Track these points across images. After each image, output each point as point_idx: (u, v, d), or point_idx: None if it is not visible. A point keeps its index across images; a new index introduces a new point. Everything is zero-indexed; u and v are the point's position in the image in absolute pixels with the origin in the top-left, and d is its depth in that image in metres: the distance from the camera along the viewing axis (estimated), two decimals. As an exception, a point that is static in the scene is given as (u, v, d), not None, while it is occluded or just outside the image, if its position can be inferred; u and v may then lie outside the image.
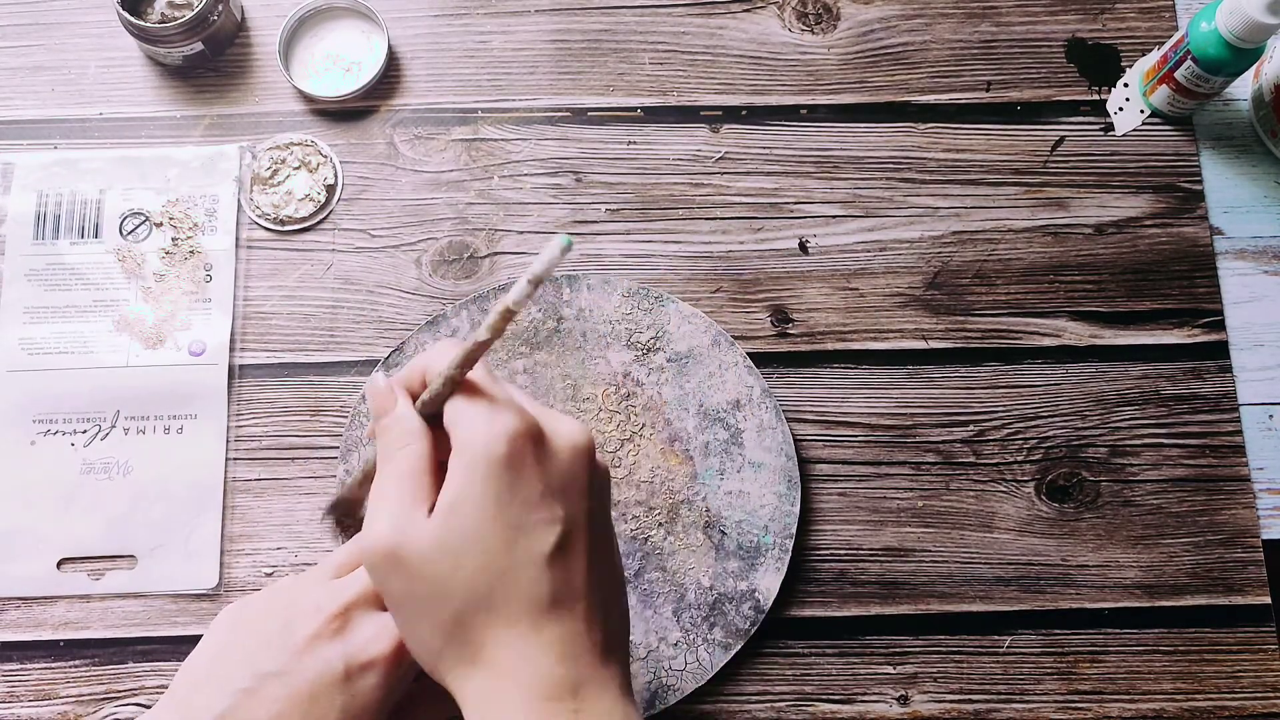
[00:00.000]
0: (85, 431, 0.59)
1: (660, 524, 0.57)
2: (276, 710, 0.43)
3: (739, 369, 0.59)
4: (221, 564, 0.58)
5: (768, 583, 0.57)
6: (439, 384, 0.40)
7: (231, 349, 0.60)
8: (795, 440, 0.59)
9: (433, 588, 0.39)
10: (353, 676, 0.43)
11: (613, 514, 0.52)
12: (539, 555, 0.39)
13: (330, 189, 0.62)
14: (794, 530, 0.57)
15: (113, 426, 0.59)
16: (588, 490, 0.41)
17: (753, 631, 0.56)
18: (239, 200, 0.62)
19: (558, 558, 0.39)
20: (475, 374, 0.41)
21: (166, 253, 0.61)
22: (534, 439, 0.39)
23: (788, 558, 0.57)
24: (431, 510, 0.39)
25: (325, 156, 0.62)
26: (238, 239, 0.62)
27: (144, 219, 0.61)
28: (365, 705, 0.43)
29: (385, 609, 0.44)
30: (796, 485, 0.58)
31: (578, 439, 0.41)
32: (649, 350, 0.59)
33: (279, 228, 0.62)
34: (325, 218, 0.62)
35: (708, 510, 0.58)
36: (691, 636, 0.56)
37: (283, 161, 0.62)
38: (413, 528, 0.39)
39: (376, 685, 0.44)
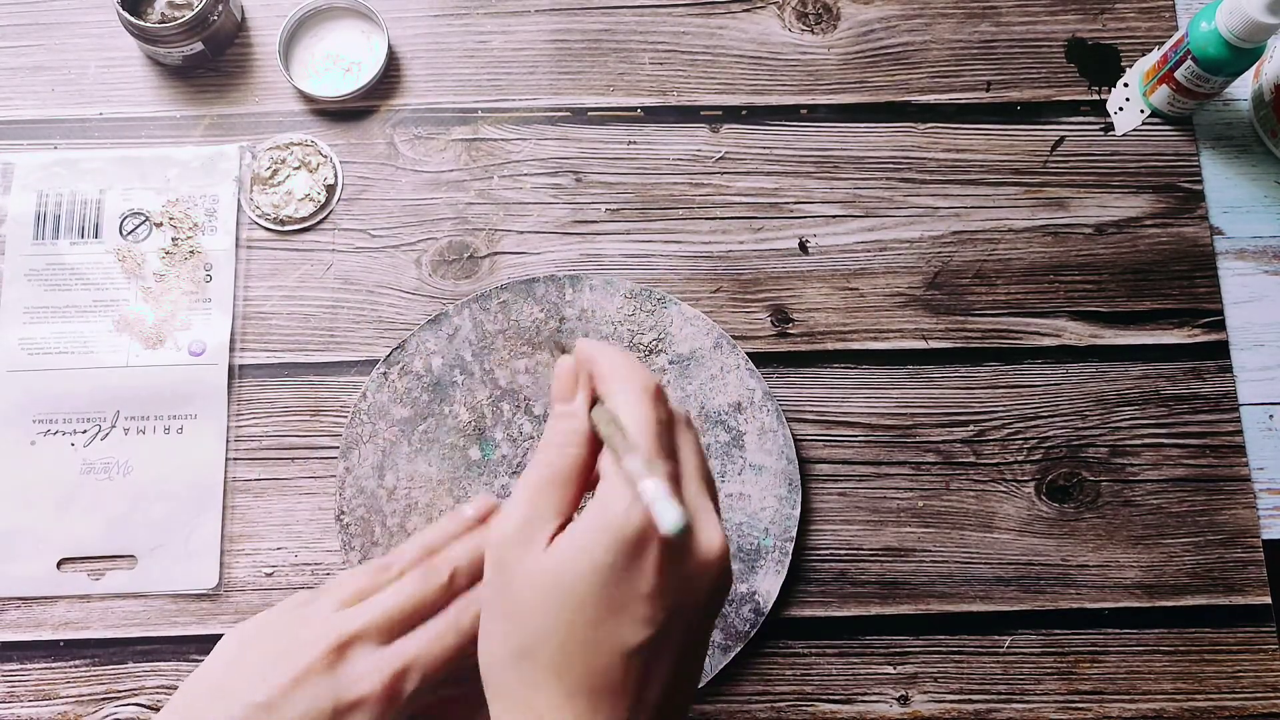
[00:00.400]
0: (85, 431, 0.59)
1: None
2: None
3: (740, 371, 0.59)
4: (221, 564, 0.58)
5: (768, 585, 0.57)
6: (607, 429, 0.39)
7: (231, 349, 0.60)
8: (796, 442, 0.59)
9: (519, 609, 0.39)
10: (341, 714, 0.43)
11: None
12: (624, 644, 0.38)
13: (330, 189, 0.62)
14: (794, 533, 0.57)
15: (113, 426, 0.59)
16: (703, 603, 0.39)
17: (752, 634, 0.56)
18: (239, 200, 0.62)
19: (640, 655, 0.38)
20: (649, 445, 0.39)
21: (166, 253, 0.61)
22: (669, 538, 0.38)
23: (788, 560, 0.57)
24: (563, 527, 0.39)
25: (325, 156, 0.62)
26: (238, 239, 0.62)
27: (144, 219, 0.61)
28: None
29: (387, 643, 0.44)
30: (797, 488, 0.58)
31: (715, 552, 0.39)
32: (651, 352, 0.59)
33: (279, 228, 0.62)
34: (325, 218, 0.62)
35: None
36: None
37: (283, 161, 0.62)
38: (533, 544, 0.39)
39: None
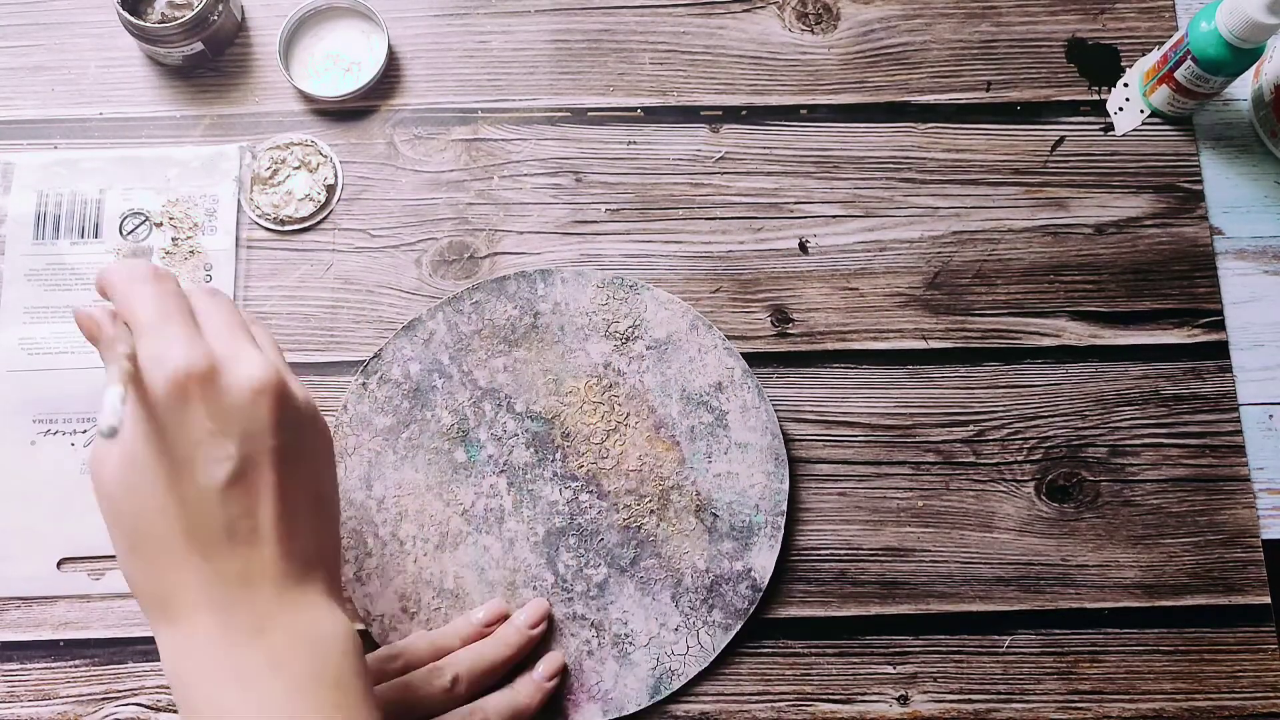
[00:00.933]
0: (85, 431, 0.59)
1: (652, 511, 0.57)
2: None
3: (719, 351, 0.59)
4: (221, 564, 0.58)
5: (763, 561, 0.57)
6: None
7: (231, 349, 0.60)
8: (780, 419, 0.59)
9: (113, 511, 0.40)
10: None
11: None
12: (207, 490, 0.39)
13: (330, 189, 0.62)
14: (785, 507, 0.58)
15: (113, 426, 0.59)
16: (274, 427, 0.40)
17: (751, 610, 0.56)
18: (239, 200, 0.62)
19: (234, 493, 0.39)
20: (153, 314, 0.40)
21: (166, 253, 0.61)
22: (200, 378, 0.39)
23: (781, 535, 0.57)
24: None
25: (325, 156, 0.62)
26: (238, 239, 0.62)
27: (144, 219, 0.61)
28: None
29: None
30: (784, 463, 0.58)
31: (256, 376, 0.40)
32: (628, 339, 0.59)
33: (279, 228, 0.62)
34: (325, 217, 0.62)
35: (698, 494, 0.58)
36: (691, 620, 0.56)
37: (283, 161, 0.62)
38: (107, 453, 0.40)
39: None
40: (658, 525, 0.57)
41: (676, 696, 0.56)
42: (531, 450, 0.58)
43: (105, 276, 0.43)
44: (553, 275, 0.60)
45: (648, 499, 0.58)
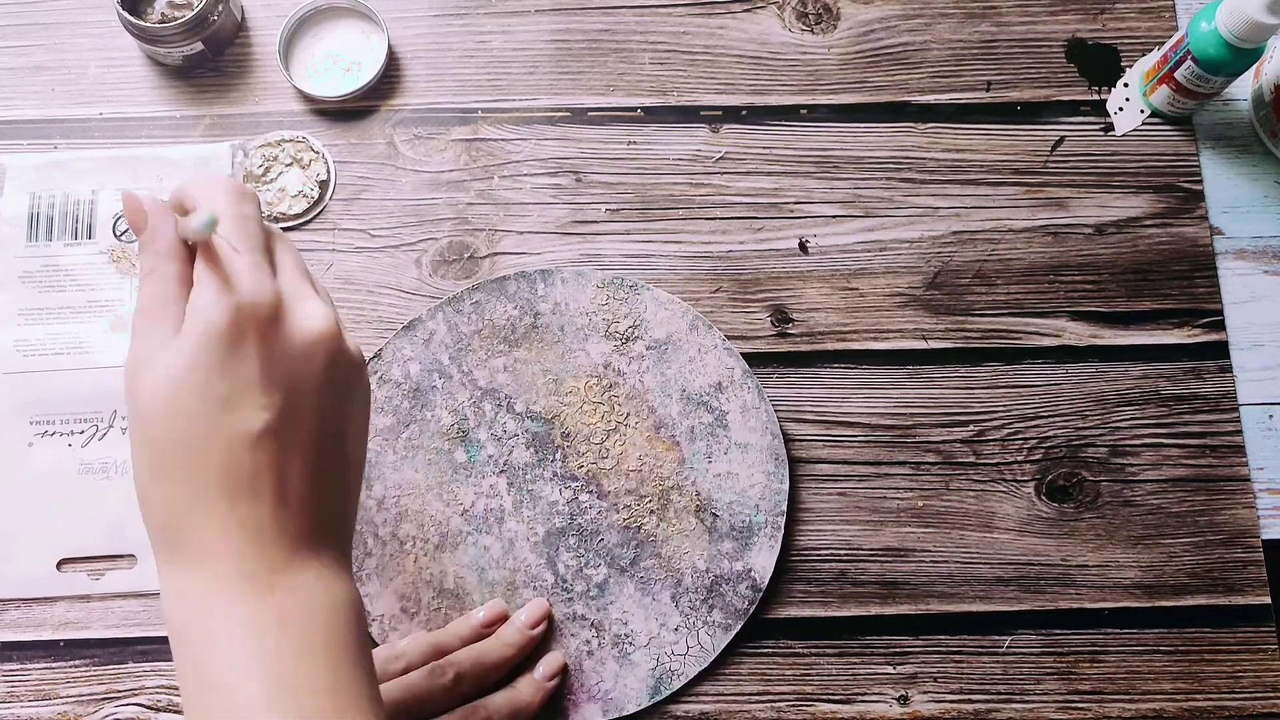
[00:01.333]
0: (83, 432, 0.59)
1: (652, 511, 0.57)
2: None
3: (718, 351, 0.59)
4: (221, 564, 0.58)
5: (763, 561, 0.57)
6: (196, 233, 0.38)
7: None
8: (780, 419, 0.59)
9: (145, 427, 0.38)
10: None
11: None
12: (242, 435, 0.37)
13: (323, 185, 0.62)
14: (785, 508, 0.57)
15: (110, 426, 0.59)
16: (323, 384, 0.39)
17: (751, 610, 0.56)
18: None
19: (265, 442, 0.38)
20: (233, 234, 0.39)
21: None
22: (264, 319, 0.38)
23: (781, 535, 0.57)
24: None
25: (317, 153, 0.62)
26: (237, 239, 0.62)
27: (143, 219, 0.61)
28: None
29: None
30: (784, 463, 0.58)
31: (317, 328, 0.39)
32: (627, 339, 0.59)
33: (274, 225, 0.62)
34: (319, 213, 0.62)
35: (698, 494, 0.58)
36: (691, 620, 0.56)
37: (274, 159, 0.62)
38: (150, 364, 0.38)
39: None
40: (658, 525, 0.57)
41: (676, 696, 0.56)
42: (531, 450, 0.58)
43: (189, 187, 0.41)
44: (553, 275, 0.60)
45: (648, 499, 0.58)
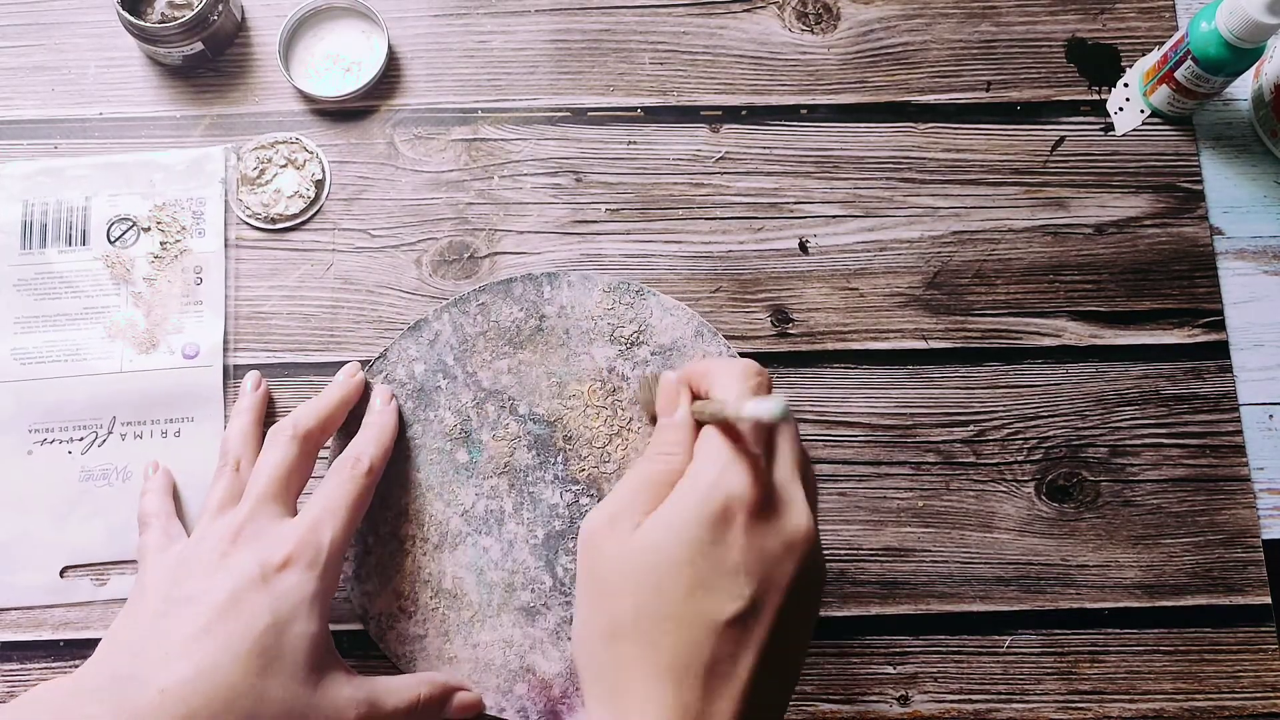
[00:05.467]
0: (82, 439, 0.59)
1: None
2: (200, 624, 0.43)
3: (723, 358, 0.59)
4: (221, 564, 0.58)
5: None
6: (712, 415, 0.40)
7: (227, 350, 0.60)
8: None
9: (608, 591, 0.39)
10: (269, 578, 0.44)
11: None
12: (710, 621, 0.38)
13: (319, 184, 0.62)
14: None
15: (109, 433, 0.59)
16: (790, 584, 0.39)
17: None
18: (227, 201, 0.62)
19: (730, 631, 0.38)
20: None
21: (155, 257, 0.61)
22: (754, 510, 0.38)
23: None
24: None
25: (311, 153, 0.62)
26: (226, 240, 0.62)
27: (131, 224, 0.61)
28: (295, 603, 0.44)
29: (287, 517, 0.48)
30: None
31: (800, 528, 0.39)
32: (632, 344, 0.59)
33: (271, 226, 0.62)
34: (317, 213, 0.62)
35: None
36: None
37: (269, 160, 0.62)
38: (621, 528, 0.39)
39: (299, 581, 0.45)
40: None
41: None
42: (533, 453, 0.58)
43: (708, 372, 0.44)
44: (559, 279, 0.60)
45: None
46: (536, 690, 0.55)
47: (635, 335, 0.59)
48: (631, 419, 0.58)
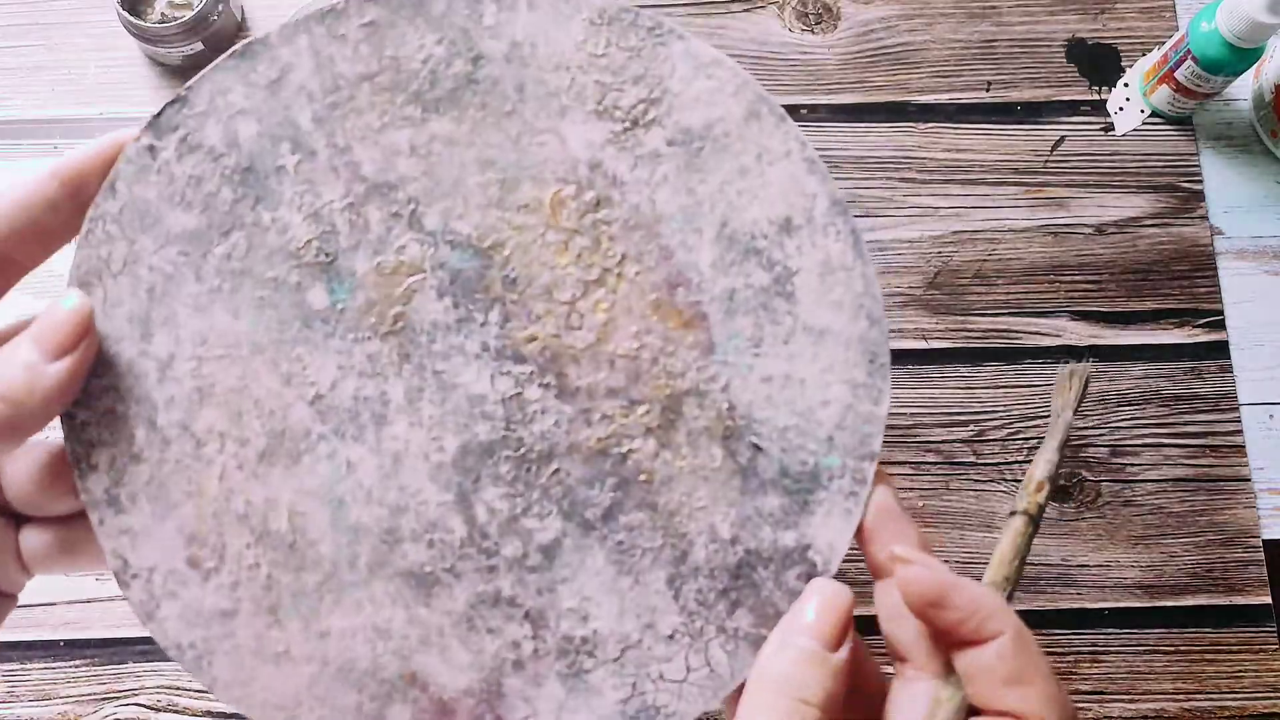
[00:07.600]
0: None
1: (648, 429, 0.33)
2: None
3: (793, 162, 0.34)
4: (221, 564, 0.58)
5: (829, 534, 0.35)
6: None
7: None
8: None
9: None
10: None
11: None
12: None
13: None
14: (877, 447, 0.35)
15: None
16: None
17: None
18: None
19: None
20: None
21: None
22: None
23: (866, 491, 0.35)
24: None
25: None
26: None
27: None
28: None
29: None
30: (885, 369, 0.35)
31: None
32: (637, 122, 0.34)
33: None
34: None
35: (731, 408, 0.34)
36: (698, 624, 0.34)
37: None
38: None
39: None
40: (656, 454, 0.33)
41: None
42: (448, 300, 0.33)
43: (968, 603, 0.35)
44: None
45: (643, 407, 0.33)
46: (428, 717, 0.33)
47: (643, 106, 0.34)
48: (624, 256, 0.34)
